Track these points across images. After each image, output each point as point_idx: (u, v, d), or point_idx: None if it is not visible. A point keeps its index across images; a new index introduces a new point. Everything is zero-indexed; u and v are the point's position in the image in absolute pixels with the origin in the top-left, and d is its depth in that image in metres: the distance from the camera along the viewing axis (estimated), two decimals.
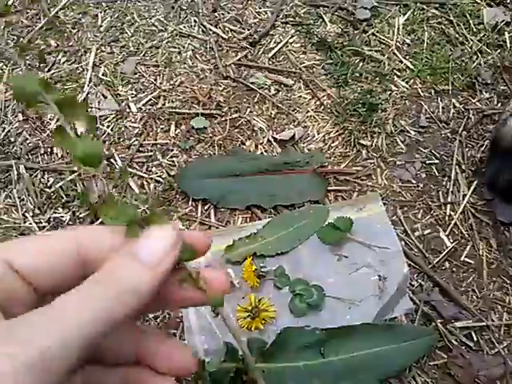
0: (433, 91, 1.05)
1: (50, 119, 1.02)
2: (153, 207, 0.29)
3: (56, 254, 0.28)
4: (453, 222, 0.91)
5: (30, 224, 0.90)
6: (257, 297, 0.79)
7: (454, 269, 0.86)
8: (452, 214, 0.92)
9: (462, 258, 0.87)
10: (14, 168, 0.95)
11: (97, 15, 1.19)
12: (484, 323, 0.80)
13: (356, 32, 1.14)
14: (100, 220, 0.89)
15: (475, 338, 0.79)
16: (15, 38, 1.16)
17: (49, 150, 0.98)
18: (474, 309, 0.82)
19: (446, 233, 0.90)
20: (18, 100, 0.28)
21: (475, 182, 0.94)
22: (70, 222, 0.90)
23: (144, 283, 0.26)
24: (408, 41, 1.13)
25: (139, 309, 0.26)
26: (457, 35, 1.14)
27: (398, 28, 1.15)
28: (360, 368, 0.72)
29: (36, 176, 0.95)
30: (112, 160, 0.97)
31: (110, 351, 0.30)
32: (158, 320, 0.80)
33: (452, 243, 0.88)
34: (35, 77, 0.28)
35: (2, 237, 0.88)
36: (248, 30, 1.15)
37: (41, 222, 0.90)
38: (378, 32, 1.14)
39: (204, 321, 0.78)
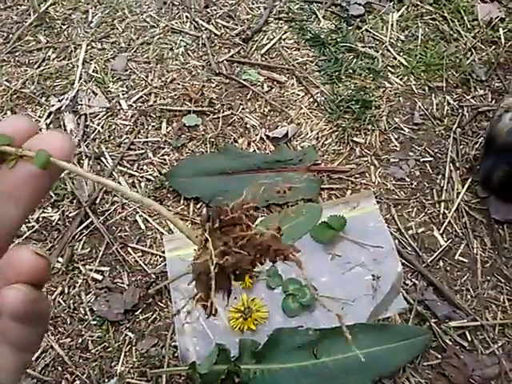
0: (427, 88, 1.05)
1: (38, 117, 1.01)
2: None
3: None
4: (447, 220, 0.90)
5: None
6: (249, 297, 0.78)
7: (448, 267, 0.86)
8: (446, 212, 0.91)
9: (456, 257, 0.87)
10: None
11: (87, 11, 1.17)
12: (478, 323, 0.79)
13: (349, 28, 1.12)
14: (90, 220, 0.88)
15: (469, 338, 0.79)
16: (5, 34, 1.14)
17: None
18: (469, 308, 0.81)
19: (440, 231, 0.89)
20: None
21: (469, 180, 0.93)
22: (60, 222, 0.88)
23: None
24: (402, 37, 1.12)
25: None
26: (451, 32, 1.13)
27: (392, 24, 1.13)
28: (353, 369, 0.71)
29: None
30: (102, 158, 0.96)
31: None
32: (149, 321, 0.79)
33: (446, 242, 0.88)
34: None
35: None
36: (241, 26, 1.14)
37: (29, 222, 0.88)
38: (371, 28, 1.13)
39: (196, 323, 0.77)
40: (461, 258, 0.87)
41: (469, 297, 0.83)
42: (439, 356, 0.77)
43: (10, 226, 0.26)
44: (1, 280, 0.25)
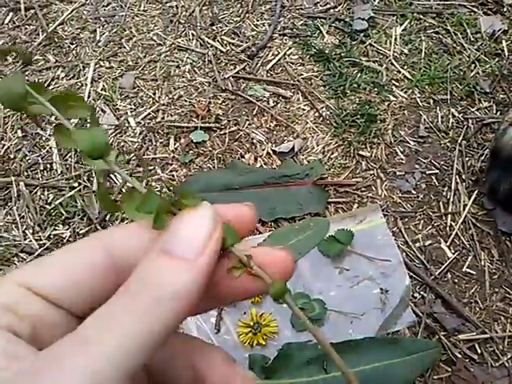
0: (431, 101, 1.06)
1: (49, 135, 1.03)
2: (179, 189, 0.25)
3: (81, 268, 0.23)
4: (454, 232, 0.90)
5: (30, 241, 0.90)
6: (258, 312, 0.79)
7: (456, 280, 0.86)
8: (453, 224, 0.91)
9: (464, 269, 0.87)
10: (14, 185, 0.95)
11: (95, 30, 1.19)
12: (488, 335, 0.79)
13: (353, 43, 1.14)
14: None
15: (479, 351, 0.79)
16: (14, 54, 1.17)
17: (48, 166, 0.98)
18: (478, 320, 0.81)
19: (448, 243, 0.89)
20: (6, 104, 0.25)
21: (475, 192, 0.94)
22: (71, 239, 0.90)
23: (186, 283, 0.21)
24: (406, 51, 1.13)
25: (186, 313, 0.22)
26: (454, 44, 1.14)
27: (396, 38, 1.15)
28: (364, 383, 0.71)
29: (36, 193, 0.95)
30: (112, 175, 0.97)
31: (162, 375, 0.25)
32: None
33: (453, 254, 0.88)
34: (22, 78, 0.25)
35: (3, 254, 0.88)
36: (246, 42, 1.16)
37: (41, 239, 0.90)
38: (375, 42, 1.14)
39: (206, 338, 0.77)
40: (469, 270, 0.87)
41: (477, 309, 0.83)
42: (449, 369, 0.77)
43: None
44: None
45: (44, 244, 0.89)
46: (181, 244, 0.22)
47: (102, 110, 1.05)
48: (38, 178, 0.97)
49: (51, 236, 0.90)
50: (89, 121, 0.26)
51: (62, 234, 0.90)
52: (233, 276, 0.24)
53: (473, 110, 1.04)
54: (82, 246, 0.25)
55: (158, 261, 0.22)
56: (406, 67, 1.10)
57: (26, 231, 0.91)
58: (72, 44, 1.17)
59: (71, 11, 1.23)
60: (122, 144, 1.01)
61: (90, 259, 0.24)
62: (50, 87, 1.10)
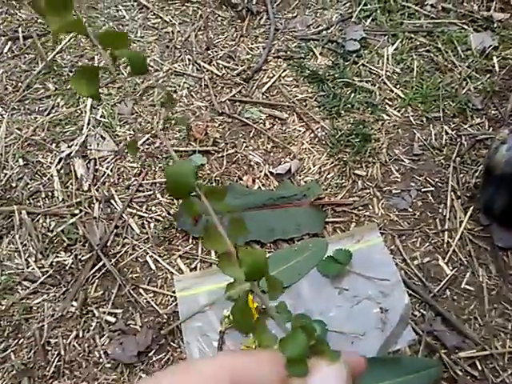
0: (425, 119, 1.07)
1: (49, 163, 1.04)
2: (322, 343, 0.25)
3: None
4: (451, 248, 0.91)
5: (33, 269, 0.91)
6: None
7: (455, 297, 0.87)
8: (450, 240, 0.92)
9: (463, 286, 0.88)
10: (16, 213, 0.96)
11: (93, 58, 1.22)
12: (488, 352, 0.80)
13: (346, 64, 1.16)
14: (102, 262, 0.90)
15: (480, 367, 0.79)
16: (14, 83, 1.19)
17: (49, 193, 1.00)
18: (477, 337, 0.82)
19: (445, 260, 0.90)
20: (173, 194, 0.26)
21: (471, 208, 0.95)
22: (73, 266, 0.91)
23: None
24: (398, 70, 1.15)
25: None
26: (445, 62, 1.16)
27: (388, 58, 1.17)
28: None
29: (38, 220, 0.96)
30: (112, 201, 0.98)
31: None
32: (162, 362, 0.80)
33: (452, 270, 0.89)
34: (190, 166, 0.25)
35: (6, 283, 0.89)
36: (241, 65, 1.18)
37: (43, 267, 0.91)
38: (367, 62, 1.16)
39: None
40: (467, 287, 0.88)
41: (477, 325, 0.84)
42: None
43: None
44: None
45: (47, 271, 0.90)
46: None
47: (102, 137, 1.07)
48: (40, 206, 0.98)
49: (53, 263, 0.91)
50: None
51: (65, 261, 0.91)
52: None
53: (465, 126, 1.06)
54: (211, 363, 0.25)
55: None
56: (398, 86, 1.12)
57: (29, 259, 0.92)
58: (71, 72, 1.20)
59: (69, 39, 1.26)
60: (122, 170, 1.03)
61: (217, 378, 0.24)
62: (51, 115, 1.12)
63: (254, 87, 1.14)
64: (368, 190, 0.99)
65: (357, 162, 1.02)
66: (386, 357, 0.78)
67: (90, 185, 1.00)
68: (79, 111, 1.12)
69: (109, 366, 0.81)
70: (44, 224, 0.96)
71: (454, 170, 1.00)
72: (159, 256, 0.92)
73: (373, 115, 1.08)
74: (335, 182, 1.00)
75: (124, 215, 0.97)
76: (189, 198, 0.26)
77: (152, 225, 0.96)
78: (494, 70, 1.15)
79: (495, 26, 1.23)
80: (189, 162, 0.26)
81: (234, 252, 0.25)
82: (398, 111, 1.09)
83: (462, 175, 1.00)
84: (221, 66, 1.18)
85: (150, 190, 1.00)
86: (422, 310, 0.85)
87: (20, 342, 0.84)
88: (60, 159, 1.04)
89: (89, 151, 1.05)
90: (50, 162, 1.04)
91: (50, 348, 0.83)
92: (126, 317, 0.85)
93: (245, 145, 1.06)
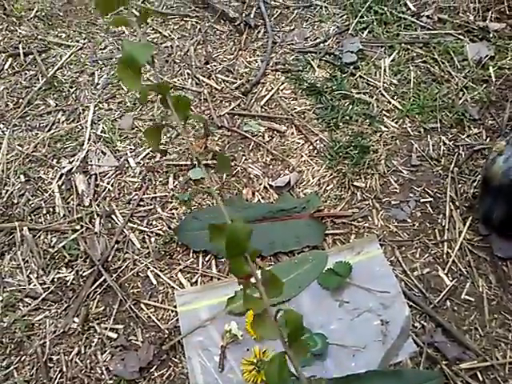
0: (422, 130, 1.08)
1: (51, 179, 1.05)
2: None
3: None
4: (451, 259, 0.92)
5: (35, 285, 0.91)
6: (261, 348, 0.80)
7: (456, 307, 0.87)
8: (449, 251, 0.93)
9: (463, 296, 0.88)
10: (18, 230, 0.97)
11: (93, 73, 1.23)
12: (489, 363, 0.80)
13: (344, 76, 1.17)
14: (103, 278, 0.91)
15: (481, 378, 0.79)
16: (15, 99, 1.20)
17: (51, 209, 1.01)
18: (478, 348, 0.82)
19: (445, 271, 0.91)
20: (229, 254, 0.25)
21: (470, 218, 0.95)
22: (74, 282, 0.91)
23: None
24: (395, 81, 1.16)
25: None
26: (442, 73, 1.17)
27: (385, 69, 1.18)
28: None
29: (39, 237, 0.97)
30: (113, 216, 0.99)
31: None
32: (164, 378, 0.81)
33: (451, 281, 0.89)
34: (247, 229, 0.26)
35: (8, 300, 0.90)
36: (240, 79, 1.19)
37: (45, 283, 0.91)
38: (365, 74, 1.17)
39: (210, 377, 0.78)
40: (467, 297, 0.88)
41: (478, 336, 0.84)
42: None
43: None
44: None
45: (48, 288, 0.91)
46: None
47: (103, 152, 1.08)
48: (41, 222, 0.99)
49: (55, 279, 0.92)
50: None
51: (66, 277, 0.92)
52: None
53: (463, 137, 1.07)
54: None
55: None
56: (395, 97, 1.13)
57: (31, 275, 0.93)
58: (71, 88, 1.21)
59: (69, 55, 1.27)
60: (123, 184, 1.04)
61: None
62: (51, 131, 1.13)
63: (253, 100, 1.15)
64: (367, 202, 0.99)
65: (355, 173, 1.02)
66: (387, 370, 0.78)
67: (90, 200, 1.00)
68: (80, 127, 1.13)
69: (111, 382, 0.81)
70: (45, 240, 0.97)
71: (452, 181, 1.01)
72: (160, 270, 0.92)
73: (371, 127, 1.09)
74: (334, 193, 1.01)
75: (125, 230, 0.97)
76: (241, 258, 0.27)
77: (153, 239, 0.96)
78: (491, 79, 1.16)
79: (491, 36, 1.24)
80: (247, 225, 0.27)
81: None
82: (396, 122, 1.09)
83: (460, 185, 1.00)
84: (220, 79, 1.19)
85: (151, 205, 1.01)
86: (422, 322, 0.85)
87: (22, 359, 0.84)
88: (61, 175, 1.05)
89: (89, 166, 1.06)
90: (51, 178, 1.05)
91: (52, 365, 0.83)
92: (127, 332, 0.86)
93: (244, 158, 1.06)
